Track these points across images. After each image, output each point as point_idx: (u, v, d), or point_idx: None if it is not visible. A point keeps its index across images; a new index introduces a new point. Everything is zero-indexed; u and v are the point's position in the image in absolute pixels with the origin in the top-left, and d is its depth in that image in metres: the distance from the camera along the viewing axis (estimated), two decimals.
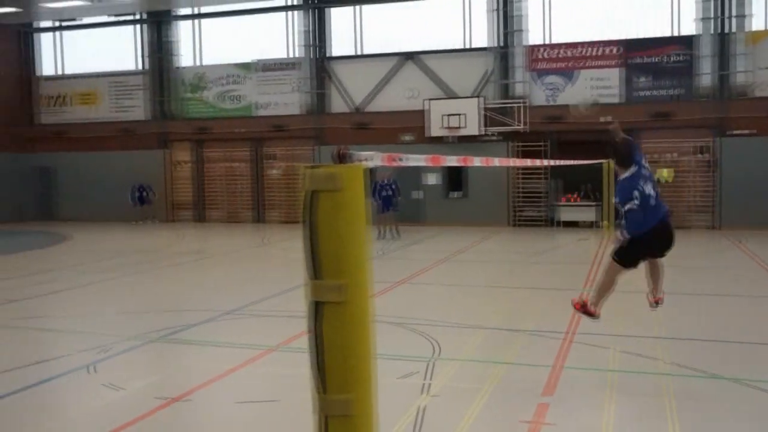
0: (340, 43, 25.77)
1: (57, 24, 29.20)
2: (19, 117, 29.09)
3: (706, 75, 21.99)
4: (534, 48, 23.51)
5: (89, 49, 28.52)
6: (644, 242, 6.77)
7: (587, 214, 22.71)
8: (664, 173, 21.68)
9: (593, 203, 22.66)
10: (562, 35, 23.48)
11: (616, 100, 22.67)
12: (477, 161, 7.38)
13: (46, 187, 29.24)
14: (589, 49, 22.88)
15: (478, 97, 23.49)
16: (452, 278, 13.62)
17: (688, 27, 22.34)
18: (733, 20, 21.86)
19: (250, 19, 26.61)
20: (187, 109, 27.50)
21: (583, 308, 7.08)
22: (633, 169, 6.84)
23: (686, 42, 22.16)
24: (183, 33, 27.71)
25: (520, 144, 23.17)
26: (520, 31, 23.63)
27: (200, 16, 27.37)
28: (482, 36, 24.21)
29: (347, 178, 1.79)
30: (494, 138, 23.21)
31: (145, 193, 26.84)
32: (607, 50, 22.73)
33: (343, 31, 25.67)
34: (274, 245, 19.99)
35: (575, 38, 23.16)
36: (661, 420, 5.82)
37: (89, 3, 25.54)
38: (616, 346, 7.85)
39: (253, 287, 12.61)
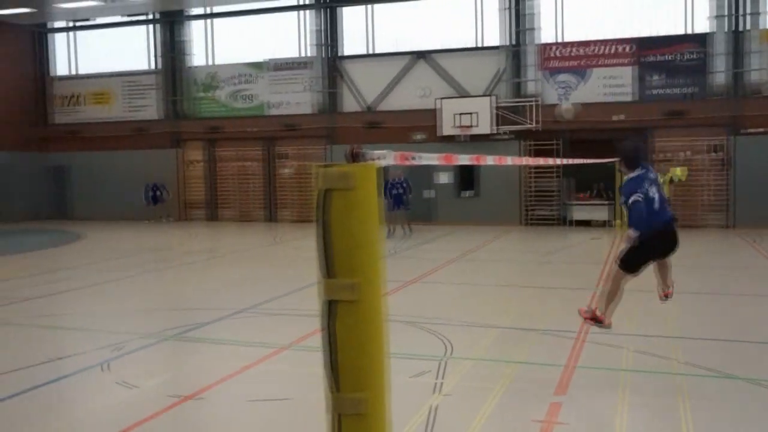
0: (351, 43, 25.78)
1: (71, 24, 29.39)
2: (33, 117, 29.31)
3: (720, 73, 21.84)
4: (546, 46, 23.43)
5: (102, 49, 28.70)
6: (647, 247, 6.79)
7: (600, 213, 22.62)
8: (678, 172, 21.52)
9: (606, 202, 22.56)
10: (574, 33, 23.39)
11: (629, 98, 22.56)
12: (490, 160, 7.35)
13: (60, 187, 29.44)
14: (602, 47, 22.78)
15: (490, 95, 23.44)
16: (464, 277, 13.59)
17: (702, 25, 22.20)
18: (748, 18, 21.70)
19: (262, 18, 26.68)
20: (199, 109, 27.60)
21: (592, 317, 7.05)
22: (639, 171, 6.89)
23: (700, 40, 22.02)
24: (195, 32, 27.81)
25: (532, 143, 23.11)
26: (533, 29, 23.57)
27: (212, 15, 27.47)
28: (494, 34, 24.15)
29: (360, 177, 1.79)
30: (506, 137, 23.15)
31: (158, 193, 26.96)
32: (620, 48, 22.61)
33: (355, 30, 25.68)
34: (286, 244, 20.04)
35: (588, 36, 23.06)
36: (674, 420, 5.79)
37: (102, 3, 25.70)
38: (629, 346, 7.81)
39: (266, 286, 12.64)
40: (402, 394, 5.68)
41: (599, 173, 21.76)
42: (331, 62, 25.70)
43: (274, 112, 26.47)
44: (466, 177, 24.16)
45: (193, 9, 27.45)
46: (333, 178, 1.78)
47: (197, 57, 27.77)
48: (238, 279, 13.92)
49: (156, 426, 5.86)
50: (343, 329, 1.85)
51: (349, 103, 25.74)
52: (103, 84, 28.86)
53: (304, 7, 26.19)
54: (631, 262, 6.83)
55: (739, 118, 21.56)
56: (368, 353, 1.88)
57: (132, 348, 8.28)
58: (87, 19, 28.72)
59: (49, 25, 29.71)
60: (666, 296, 7.42)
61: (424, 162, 3.47)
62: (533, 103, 22.83)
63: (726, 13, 21.73)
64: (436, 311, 10.04)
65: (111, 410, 6.29)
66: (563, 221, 23.02)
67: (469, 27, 24.47)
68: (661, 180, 21.38)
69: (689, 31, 22.30)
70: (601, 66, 22.83)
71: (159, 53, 27.95)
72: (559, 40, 23.54)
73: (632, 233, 6.73)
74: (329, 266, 1.81)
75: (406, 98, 24.79)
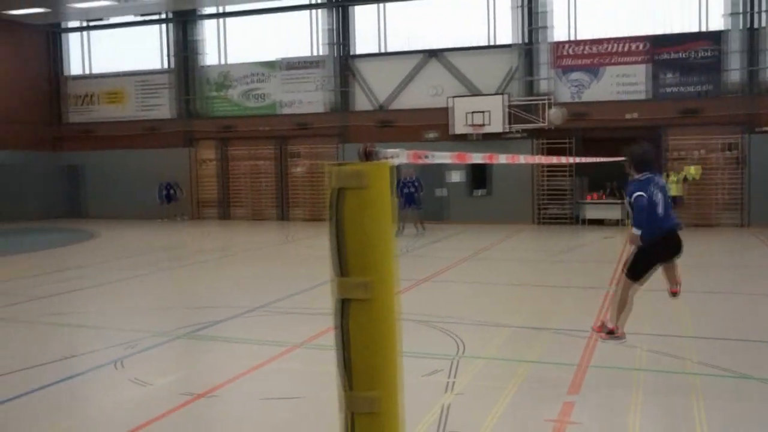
0: (363, 41, 25.79)
1: (84, 24, 29.57)
2: (47, 116, 29.53)
3: (734, 71, 21.68)
4: (559, 44, 23.35)
5: (116, 49, 28.87)
6: (651, 253, 6.84)
7: (613, 211, 22.52)
8: (692, 170, 21.42)
9: (619, 201, 22.45)
10: (587, 31, 23.30)
11: (642, 96, 22.45)
12: (503, 158, 7.35)
13: (73, 186, 29.65)
14: (615, 45, 22.67)
15: (502, 94, 23.39)
16: (476, 276, 13.57)
17: (717, 22, 22.04)
18: (763, 15, 21.54)
19: (274, 17, 26.74)
20: (212, 108, 27.70)
21: (606, 330, 7.02)
22: (646, 175, 6.93)
23: (714, 37, 21.86)
24: (208, 32, 27.92)
25: (545, 141, 23.03)
26: (545, 27, 23.49)
27: (225, 15, 27.55)
28: (506, 33, 24.09)
29: (373, 175, 1.79)
30: (518, 135, 23.09)
31: (172, 191, 27.09)
32: (634, 46, 22.49)
33: (367, 29, 25.69)
34: (298, 242, 20.08)
35: (601, 34, 22.96)
36: (688, 420, 5.75)
37: (116, 3, 25.85)
38: (643, 345, 7.77)
39: (278, 284, 12.67)
40: (414, 392, 5.68)
41: (612, 172, 21.62)
42: (343, 61, 25.73)
43: (286, 111, 26.52)
44: (479, 176, 24.12)
45: (205, 8, 27.55)
46: (346, 177, 1.77)
47: (210, 56, 27.88)
48: (250, 277, 13.97)
49: (169, 424, 5.89)
50: (356, 328, 1.84)
51: (361, 102, 25.76)
52: (116, 83, 29.03)
53: (316, 6, 26.22)
54: (636, 270, 6.88)
55: (754, 116, 21.40)
56: (381, 352, 1.88)
57: (145, 346, 8.33)
58: (100, 19, 28.90)
59: (63, 25, 29.92)
60: (674, 294, 7.40)
61: (437, 161, 3.47)
62: (546, 102, 22.76)
63: (741, 10, 21.57)
64: (448, 310, 10.03)
65: (124, 408, 6.33)
66: (576, 220, 22.94)
67: (481, 25, 24.42)
68: (675, 178, 21.44)
69: (703, 29, 22.15)
70: (614, 64, 22.71)
71: (172, 52, 28.08)
72: (572, 38, 23.45)
73: (635, 231, 6.75)
74: (342, 265, 1.81)
75: (418, 97, 24.77)
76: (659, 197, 6.81)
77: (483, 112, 23.05)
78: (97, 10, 27.21)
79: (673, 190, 21.35)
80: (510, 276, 13.63)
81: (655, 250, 6.86)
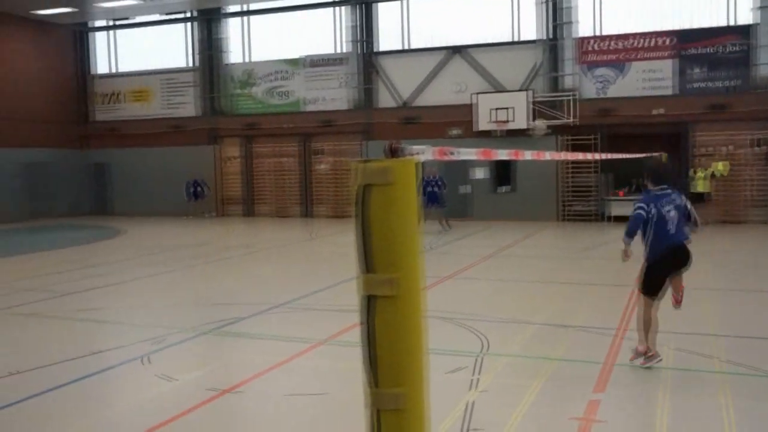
0: (387, 38, 25.77)
1: (111, 23, 29.89)
2: (74, 115, 29.89)
3: (763, 65, 21.32)
4: (584, 40, 23.14)
5: (141, 48, 29.13)
6: (659, 267, 6.92)
7: None
8: (719, 167, 21.13)
9: None
10: (612, 26, 23.06)
11: (669, 92, 22.17)
12: (528, 155, 7.37)
13: (100, 183, 30.01)
14: (641, 40, 22.42)
15: (526, 90, 23.25)
16: (500, 273, 13.52)
17: (745, 16, 21.70)
18: None
19: (298, 15, 26.81)
20: (236, 105, 27.86)
21: (639, 353, 6.97)
22: (664, 189, 6.99)
23: (743, 31, 21.52)
24: (232, 30, 28.07)
25: (570, 138, 22.85)
26: (570, 23, 23.29)
27: (249, 13, 27.68)
28: (531, 28, 23.93)
29: (399, 172, 1.78)
30: (543, 132, 22.92)
31: (199, 189, 27.31)
32: (660, 41, 22.23)
33: (391, 26, 25.66)
34: (322, 240, 20.14)
35: (626, 29, 22.71)
36: (716, 420, 5.68)
37: (141, 2, 26.08)
38: (670, 344, 7.69)
39: (302, 281, 12.72)
40: (439, 390, 5.67)
41: (638, 168, 21.40)
42: (366, 58, 25.73)
43: (310, 108, 26.60)
44: (503, 172, 24.00)
45: (230, 6, 27.69)
46: (372, 174, 1.77)
47: (234, 54, 28.04)
48: (274, 274, 14.04)
49: (194, 419, 5.94)
50: (382, 324, 1.84)
51: (385, 99, 25.75)
52: (142, 82, 29.31)
53: (339, 3, 26.24)
54: (650, 285, 6.96)
55: None
56: (407, 349, 1.87)
57: (171, 342, 8.41)
58: (126, 18, 29.19)
59: (89, 24, 30.25)
60: (676, 302, 7.38)
61: (463, 157, 3.46)
62: (571, 98, 22.57)
63: None
64: (472, 307, 10.01)
65: (151, 403, 6.40)
66: (601, 217, 22.73)
67: (505, 21, 24.28)
68: (702, 175, 21.16)
69: (732, 23, 21.80)
70: (640, 59, 22.46)
71: (197, 51, 28.28)
72: (597, 34, 23.22)
73: (625, 239, 6.92)
74: (368, 261, 1.81)
75: (442, 93, 24.70)
76: (672, 214, 6.85)
77: (507, 108, 22.92)
78: (123, 9, 27.50)
79: (701, 186, 21.11)
80: (534, 273, 13.55)
81: (663, 264, 6.92)
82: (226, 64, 27.97)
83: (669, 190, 7.00)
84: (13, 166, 26.76)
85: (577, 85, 23.09)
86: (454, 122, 24.13)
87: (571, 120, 22.43)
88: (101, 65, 30.45)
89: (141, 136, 28.96)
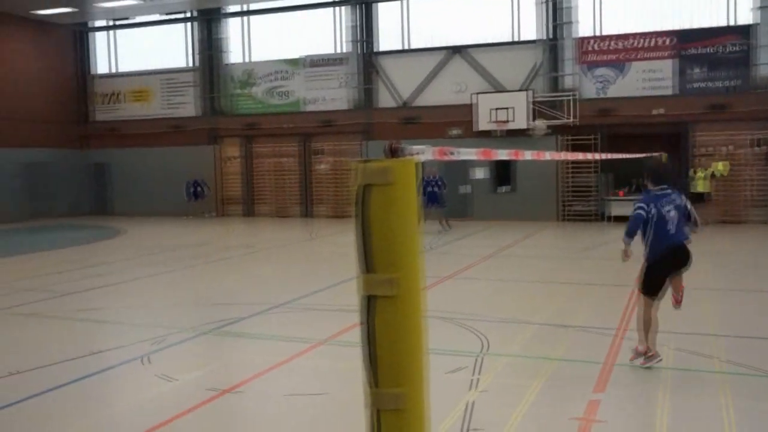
0: (387, 38, 25.77)
1: (111, 23, 29.88)
2: (74, 115, 29.89)
3: (763, 65, 21.32)
4: (584, 40, 23.14)
5: (141, 48, 29.13)
6: (659, 266, 6.92)
7: None
8: (719, 167, 21.13)
9: None
10: (612, 26, 23.06)
11: (669, 92, 22.17)
12: (528, 155, 7.38)
13: (100, 183, 30.01)
14: (641, 40, 22.42)
15: (526, 90, 23.24)
16: (500, 273, 13.52)
17: (745, 16, 21.69)
18: None
19: (298, 15, 26.82)
20: (236, 105, 27.87)
21: (639, 353, 6.97)
22: (664, 189, 7.00)
23: (743, 32, 21.52)
24: (232, 30, 28.07)
25: (570, 138, 22.84)
26: (570, 23, 23.29)
27: (249, 13, 27.68)
28: (531, 28, 23.93)
29: (399, 172, 1.78)
30: (543, 132, 22.92)
31: (199, 189, 27.32)
32: (660, 41, 22.23)
33: (391, 26, 25.66)
34: (322, 240, 20.14)
35: (626, 29, 22.71)
36: (717, 420, 5.68)
37: (141, 2, 26.08)
38: (670, 344, 7.68)
39: (302, 281, 12.72)
40: (439, 390, 5.66)
41: (638, 168, 21.41)
42: (366, 58, 25.73)
43: (310, 108, 26.60)
44: (503, 172, 24.00)
45: (230, 6, 27.69)
46: (372, 173, 1.77)
47: (234, 54, 28.04)
48: (274, 274, 14.04)
49: (194, 419, 5.94)
50: (382, 324, 1.84)
51: (385, 99, 25.75)
52: (142, 81, 29.31)
53: (339, 3, 26.24)
54: (649, 285, 6.97)
55: None
56: (407, 349, 1.87)
57: (171, 342, 8.41)
58: (126, 18, 29.19)
59: (89, 24, 30.25)
60: (676, 302, 7.39)
61: (463, 157, 3.46)
62: (571, 98, 22.57)
63: None
64: (472, 307, 10.01)
65: (150, 403, 6.40)
66: (601, 217, 22.72)
67: (505, 21, 24.28)
68: (702, 175, 21.15)
69: (732, 23, 21.80)
70: (640, 59, 22.46)
71: (197, 50, 28.28)
72: (597, 34, 23.22)
73: (624, 239, 6.96)
74: (368, 261, 1.81)
75: (442, 93, 24.70)
76: (672, 214, 6.87)
77: (507, 108, 22.92)
78: (123, 9, 27.50)
79: (701, 186, 21.10)
80: (534, 273, 13.55)
81: (663, 263, 6.93)
82: (226, 64, 27.97)
83: (669, 191, 7.02)
84: (14, 166, 26.75)
85: (577, 85, 23.09)
86: (454, 122, 24.13)
87: (571, 120, 22.43)
88: (101, 65, 30.45)
89: (141, 136, 28.95)
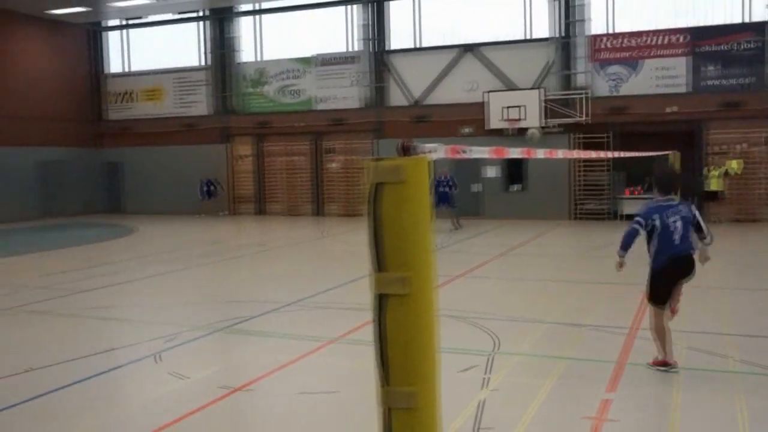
0: (399, 37, 25.75)
1: (124, 22, 30.03)
2: (88, 114, 30.06)
3: None
4: (597, 38, 23.03)
5: (154, 47, 29.26)
6: (664, 276, 6.85)
7: None
8: (733, 165, 20.98)
9: None
10: (625, 24, 22.92)
11: (683, 89, 22.03)
12: (540, 153, 7.34)
13: (113, 182, 30.16)
14: (654, 37, 22.28)
15: (538, 88, 23.16)
16: (512, 272, 13.48)
17: (760, 13, 21.50)
18: None
19: (309, 13, 26.84)
20: (248, 104, 27.93)
21: (658, 363, 6.91)
22: (668, 200, 6.92)
23: (758, 29, 21.34)
24: (244, 29, 28.13)
25: (582, 136, 22.74)
26: (582, 20, 23.18)
27: (261, 11, 27.73)
28: (543, 26, 23.84)
29: (411, 170, 1.78)
30: (555, 130, 22.84)
31: (212, 188, 27.44)
32: (674, 38, 22.09)
33: (402, 24, 25.64)
34: (333, 238, 20.16)
35: (639, 27, 22.58)
36: (730, 420, 5.64)
37: (154, 1, 26.20)
38: (683, 343, 7.64)
39: (314, 279, 12.74)
40: (450, 388, 5.66)
41: (650, 166, 21.31)
42: (378, 56, 25.72)
43: (321, 106, 26.62)
44: (514, 171, 23.93)
45: (242, 5, 27.75)
46: (384, 172, 1.77)
47: (246, 53, 28.10)
48: (286, 272, 14.06)
49: (206, 417, 5.96)
50: (394, 323, 1.84)
51: (397, 98, 25.73)
52: (154, 80, 29.43)
53: (351, 1, 26.22)
54: (657, 295, 6.90)
55: None
56: (419, 347, 1.87)
57: (183, 340, 8.44)
58: (139, 17, 29.33)
59: (103, 24, 30.40)
60: (672, 312, 7.34)
61: (475, 155, 3.45)
62: (583, 96, 22.47)
63: None
64: (483, 306, 9.99)
65: (163, 400, 6.43)
66: (613, 215, 22.61)
67: (517, 19, 24.19)
68: (716, 173, 21.00)
69: (746, 20, 21.62)
70: (653, 57, 22.32)
71: (209, 49, 28.36)
72: (610, 31, 23.10)
73: (619, 252, 7.00)
74: (380, 260, 1.81)
75: (454, 92, 24.65)
76: (678, 225, 6.77)
77: (519, 106, 22.85)
78: (136, 9, 27.63)
79: (714, 184, 20.96)
80: (546, 272, 13.51)
81: (666, 273, 6.85)
82: (238, 63, 28.04)
83: (675, 201, 6.92)
84: (28, 165, 26.94)
85: (589, 83, 22.98)
86: (466, 120, 24.08)
87: (584, 118, 22.33)
88: (114, 64, 30.60)
89: (153, 134, 29.08)
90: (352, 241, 18.73)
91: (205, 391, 6.54)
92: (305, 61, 26.71)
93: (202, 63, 28.75)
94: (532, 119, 22.65)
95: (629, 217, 21.89)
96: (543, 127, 22.67)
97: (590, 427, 5.50)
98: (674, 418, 5.73)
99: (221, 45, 28.01)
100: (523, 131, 22.88)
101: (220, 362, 7.86)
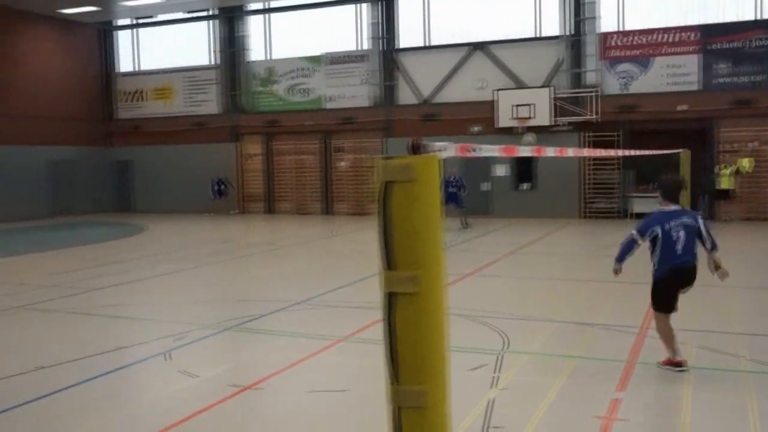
0: (408, 35, 25.72)
1: (134, 21, 30.14)
2: (99, 113, 30.20)
3: None
4: (607, 35, 22.94)
5: (164, 46, 29.35)
6: (666, 285, 6.79)
7: None
8: (745, 163, 20.85)
9: None
10: (636, 21, 22.81)
11: (693, 87, 21.91)
12: (550, 151, 7.30)
13: (123, 180, 30.29)
14: (665, 35, 22.17)
15: (548, 86, 23.08)
16: (521, 270, 13.45)
17: None
18: None
19: (319, 12, 26.86)
20: (257, 103, 27.97)
21: (668, 363, 6.87)
22: (673, 208, 6.84)
23: None
24: (254, 27, 28.18)
25: (592, 134, 22.66)
26: (593, 18, 23.08)
27: (270, 10, 27.77)
28: (553, 24, 23.76)
29: (421, 168, 1.77)
30: (565, 128, 22.76)
31: (223, 186, 27.52)
32: (684, 36, 21.96)
33: (412, 23, 25.61)
34: (343, 236, 20.16)
35: (650, 24, 22.46)
36: (741, 419, 5.61)
37: (164, 0, 26.26)
38: (694, 342, 7.60)
39: (323, 278, 12.74)
40: (459, 387, 5.65)
41: (661, 165, 21.19)
42: (387, 55, 25.71)
43: (330, 105, 26.63)
44: (524, 169, 23.86)
45: (251, 4, 27.80)
46: (394, 170, 1.76)
47: (256, 52, 28.15)
48: (296, 271, 14.07)
49: (216, 415, 5.97)
50: (404, 321, 1.84)
51: (406, 96, 25.71)
52: (164, 79, 29.52)
53: (360, 0, 26.22)
54: (661, 302, 6.85)
55: None
56: (428, 346, 1.87)
57: (193, 338, 8.46)
58: (150, 16, 29.43)
59: (113, 23, 30.52)
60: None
61: (485, 153, 3.43)
62: (593, 94, 22.39)
63: None
64: (493, 304, 9.97)
65: (173, 398, 6.45)
66: (624, 214, 22.52)
67: (527, 17, 24.12)
68: (727, 171, 20.86)
69: (759, 17, 21.47)
70: (664, 54, 22.21)
71: (219, 48, 28.43)
72: (620, 29, 23.00)
73: (614, 265, 7.11)
74: (390, 258, 1.80)
75: (463, 90, 24.62)
76: (680, 234, 6.68)
77: (528, 105, 22.79)
78: (146, 8, 27.73)
79: (725, 183, 20.84)
80: (555, 271, 13.47)
81: (666, 283, 6.80)
82: (248, 62, 28.09)
83: (679, 210, 6.82)
84: (39, 164, 27.10)
85: (599, 81, 22.90)
86: (475, 119, 24.04)
87: (594, 116, 22.25)
88: (124, 63, 30.72)
89: (163, 133, 29.18)
90: (361, 240, 18.73)
91: (215, 390, 6.56)
92: (314, 59, 26.73)
93: (212, 62, 28.81)
94: (542, 117, 22.59)
95: (639, 216, 21.92)
96: (551, 126, 22.62)
97: (600, 427, 5.47)
98: (685, 418, 5.70)
99: (231, 44, 28.07)
100: (532, 129, 22.82)
101: (229, 360, 7.87)
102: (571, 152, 13.57)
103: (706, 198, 21.44)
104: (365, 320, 8.82)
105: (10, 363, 7.55)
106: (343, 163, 26.78)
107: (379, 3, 25.69)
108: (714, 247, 6.82)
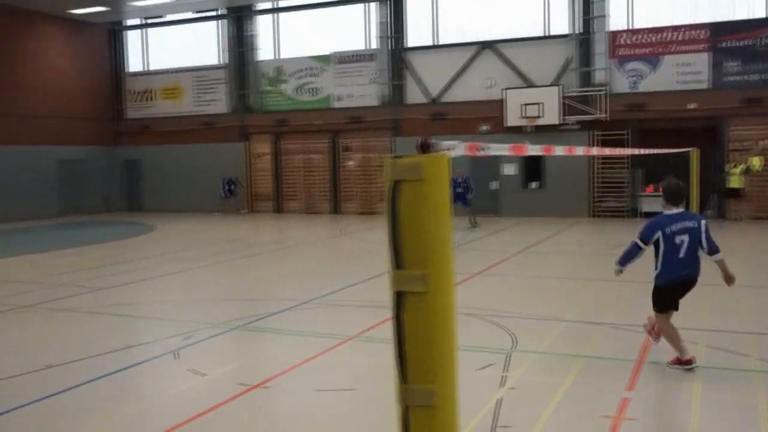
0: (416, 34, 25.72)
1: (143, 21, 30.25)
2: (108, 112, 30.34)
3: None
4: (616, 34, 22.86)
5: (173, 45, 29.45)
6: (669, 290, 6.79)
7: None
8: (755, 161, 20.74)
9: None
10: (645, 20, 22.72)
11: (703, 86, 21.81)
12: (560, 150, 7.27)
13: (132, 180, 30.41)
14: (675, 33, 22.07)
15: (557, 85, 23.02)
16: (530, 270, 13.42)
17: None
18: None
19: (327, 11, 26.88)
20: (266, 102, 28.02)
21: (676, 361, 6.84)
22: (676, 210, 6.80)
23: None
24: (262, 27, 28.23)
25: (601, 133, 22.59)
26: (602, 16, 23.00)
27: (279, 10, 27.81)
28: (562, 22, 23.70)
29: (430, 167, 1.77)
30: (574, 127, 22.70)
31: (233, 186, 27.60)
32: (694, 34, 21.86)
33: (420, 22, 25.60)
34: (351, 236, 20.18)
35: (659, 22, 22.37)
36: (752, 420, 5.58)
37: (173, 0, 26.34)
38: (704, 341, 7.57)
39: (332, 277, 12.76)
40: (468, 386, 5.65)
41: (671, 163, 21.12)
42: (396, 54, 25.70)
43: (339, 104, 26.65)
44: (532, 168, 23.81)
45: (260, 4, 27.85)
46: (403, 169, 1.76)
47: (264, 51, 28.20)
48: (304, 270, 14.10)
49: (224, 413, 5.99)
50: (413, 321, 1.84)
51: (414, 95, 25.70)
52: (173, 79, 29.62)
53: None
54: (663, 305, 6.84)
55: None
56: (437, 345, 1.87)
57: (201, 337, 8.49)
58: (159, 16, 29.54)
59: (123, 23, 30.64)
60: (649, 333, 7.35)
61: (494, 152, 3.43)
62: (602, 93, 22.32)
63: None
64: (501, 303, 9.96)
65: (181, 397, 6.47)
66: (633, 213, 22.46)
67: (536, 15, 24.07)
68: (737, 170, 20.75)
69: None
70: (673, 53, 22.12)
71: (227, 48, 28.49)
72: (630, 27, 22.91)
73: (615, 267, 7.07)
74: (398, 257, 1.80)
75: (471, 89, 24.59)
76: (684, 239, 6.63)
77: (537, 104, 22.73)
78: (155, 8, 27.83)
79: (735, 182, 20.74)
80: (564, 270, 13.44)
81: (667, 292, 6.80)
82: (257, 61, 28.14)
83: (682, 213, 6.78)
84: (50, 163, 27.25)
85: (608, 80, 22.82)
86: (484, 118, 24.01)
87: (603, 115, 22.19)
88: (134, 63, 30.84)
89: (172, 133, 29.28)
90: (369, 239, 18.74)
91: (224, 388, 6.58)
92: (323, 59, 26.76)
93: (221, 61, 28.88)
94: (551, 116, 22.53)
95: (649, 215, 21.85)
96: (560, 125, 22.56)
97: (609, 426, 5.46)
98: (694, 417, 5.68)
99: (239, 43, 28.13)
100: (541, 128, 22.77)
101: (238, 359, 7.90)
102: (580, 151, 13.53)
103: (715, 197, 21.35)
104: (373, 319, 8.83)
105: (19, 362, 7.59)
106: (351, 163, 26.80)
107: (388, 2, 25.68)
108: (713, 251, 6.71)
